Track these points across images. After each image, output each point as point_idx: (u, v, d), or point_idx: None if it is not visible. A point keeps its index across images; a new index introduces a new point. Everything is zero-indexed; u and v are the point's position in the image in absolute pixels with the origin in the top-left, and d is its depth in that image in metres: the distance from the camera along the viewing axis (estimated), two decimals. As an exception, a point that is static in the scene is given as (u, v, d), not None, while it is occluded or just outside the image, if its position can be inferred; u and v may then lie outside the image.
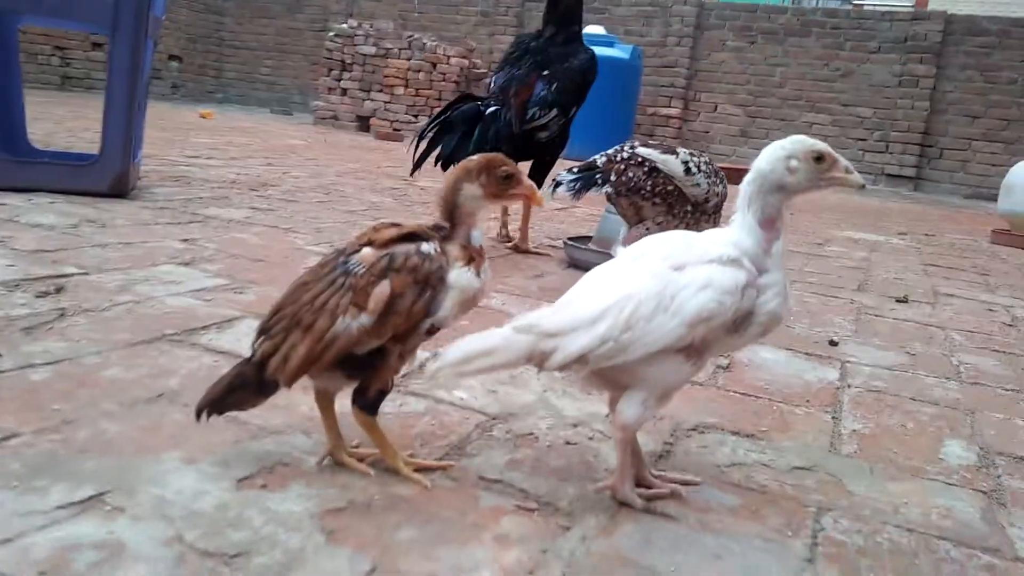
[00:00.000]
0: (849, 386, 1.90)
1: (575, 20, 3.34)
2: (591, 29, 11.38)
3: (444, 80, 12.36)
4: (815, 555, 1.09)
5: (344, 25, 13.03)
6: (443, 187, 1.23)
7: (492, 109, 3.17)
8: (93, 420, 1.28)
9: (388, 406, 1.47)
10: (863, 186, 1.21)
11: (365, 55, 12.72)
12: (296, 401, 1.45)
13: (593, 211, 5.15)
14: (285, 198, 4.06)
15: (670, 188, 2.62)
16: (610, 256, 2.98)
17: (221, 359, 1.64)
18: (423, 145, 3.18)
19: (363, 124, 12.74)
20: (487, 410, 1.50)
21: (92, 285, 2.05)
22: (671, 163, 2.62)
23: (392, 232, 1.19)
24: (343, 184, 5.04)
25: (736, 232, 1.19)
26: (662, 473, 1.28)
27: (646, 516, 1.15)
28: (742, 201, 1.20)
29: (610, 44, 11.07)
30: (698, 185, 2.61)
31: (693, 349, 1.15)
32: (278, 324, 1.16)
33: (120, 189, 3.32)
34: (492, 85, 3.35)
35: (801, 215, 6.19)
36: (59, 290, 1.95)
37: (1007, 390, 1.99)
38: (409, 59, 12.45)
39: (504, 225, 3.53)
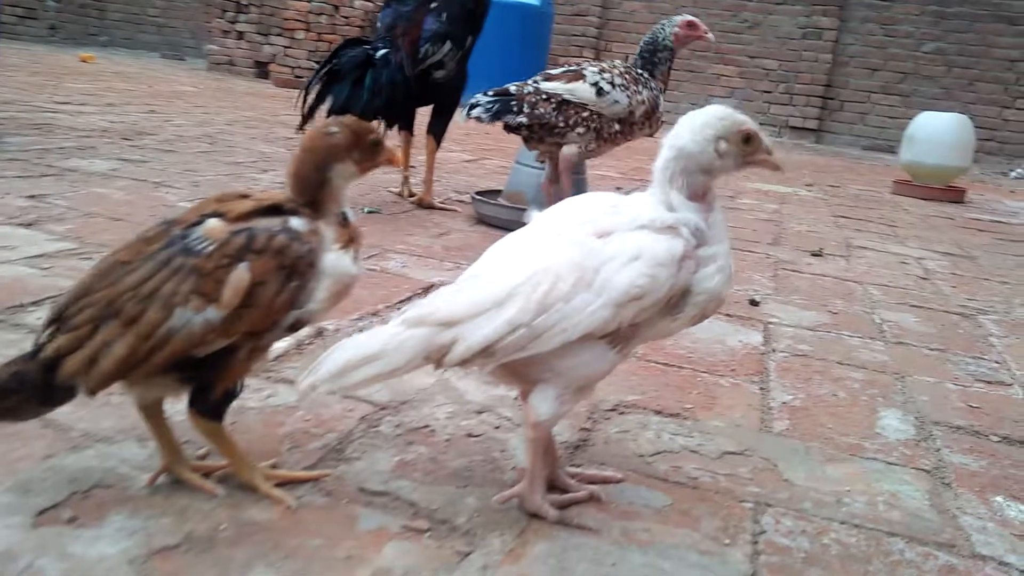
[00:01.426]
0: (774, 351, 1.77)
1: None
2: (501, -27, 10.97)
3: (348, 24, 11.71)
4: (757, 567, 0.93)
5: (237, -38, 12.12)
6: (301, 165, 0.97)
7: (382, 52, 2.87)
8: None
9: (252, 398, 1.23)
10: (781, 170, 1.05)
11: (261, -5, 11.91)
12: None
13: (504, 164, 4.91)
14: (161, 148, 3.65)
15: (586, 115, 2.44)
16: (520, 210, 2.79)
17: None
18: (311, 96, 2.86)
19: (261, 71, 11.99)
20: (375, 398, 1.28)
21: None
22: (580, 90, 2.44)
23: (248, 204, 0.93)
24: (231, 133, 4.62)
25: (657, 200, 0.99)
26: (579, 471, 1.09)
27: (561, 531, 0.96)
28: (662, 177, 0.99)
29: (521, -11, 10.71)
30: (617, 102, 2.44)
31: (619, 334, 0.94)
32: (83, 312, 0.89)
33: (-43, 138, 2.87)
34: (378, 24, 3.04)
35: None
36: None
37: (932, 350, 1.91)
38: (310, 0, 11.73)
39: (406, 180, 3.26)
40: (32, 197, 2.35)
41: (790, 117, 12.54)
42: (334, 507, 0.96)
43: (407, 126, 3.13)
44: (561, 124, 2.44)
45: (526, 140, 2.56)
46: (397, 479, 1.04)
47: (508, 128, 2.53)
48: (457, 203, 3.26)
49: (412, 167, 3.31)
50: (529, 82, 2.52)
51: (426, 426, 1.21)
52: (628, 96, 2.45)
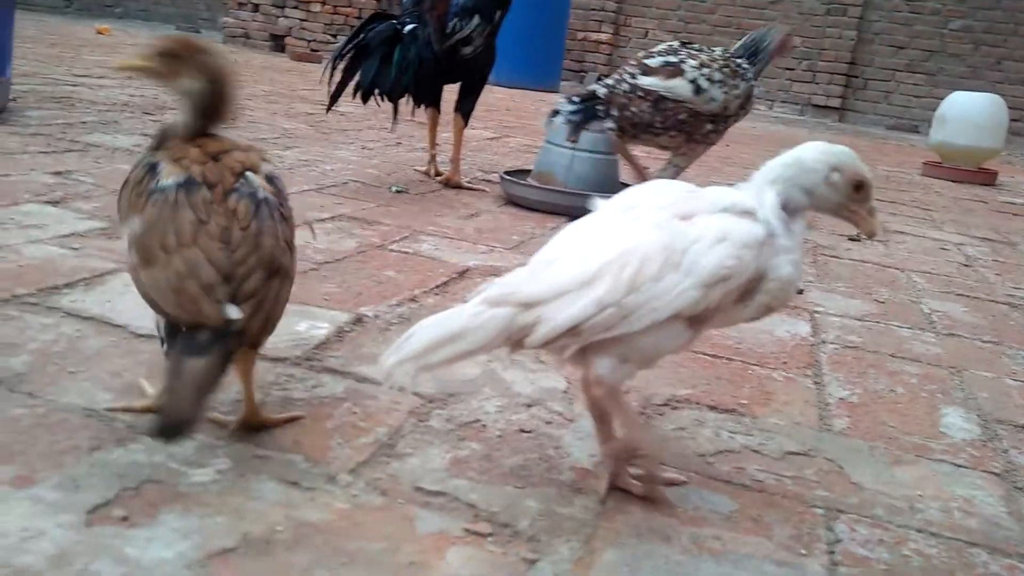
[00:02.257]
0: (824, 342, 1.72)
1: None
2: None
3: (364, -4, 11.57)
4: (836, 579, 0.89)
5: (253, -67, 11.98)
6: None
7: (410, 27, 2.80)
8: None
9: (298, 388, 1.19)
10: (876, 234, 1.05)
11: (277, -34, 11.77)
12: (179, 386, 1.15)
13: (528, 142, 4.84)
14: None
15: (682, 117, 2.36)
16: (551, 191, 2.73)
17: (86, 327, 1.31)
18: (338, 74, 2.79)
19: (277, 44, 11.89)
20: (421, 390, 1.23)
21: None
22: (679, 88, 2.36)
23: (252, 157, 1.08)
24: (252, 108, 4.56)
25: (754, 192, 0.98)
26: (639, 471, 1.05)
27: (629, 537, 0.92)
28: (763, 176, 0.99)
29: (540, -37, 10.53)
30: (713, 100, 2.37)
31: (699, 316, 0.91)
32: (251, 278, 0.95)
33: (-19, 111, 2.83)
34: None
35: (735, 145, 6.04)
36: None
37: (985, 342, 1.85)
38: (326, -27, 11.58)
39: (432, 159, 3.20)
40: (58, 174, 2.31)
41: (813, 95, 12.34)
42: (391, 507, 0.92)
43: (434, 103, 3.07)
44: (658, 122, 2.37)
45: (618, 135, 2.49)
46: (453, 478, 1.00)
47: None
48: (484, 182, 3.21)
49: (438, 145, 3.25)
50: (625, 76, 2.43)
51: (476, 420, 1.17)
52: (725, 92, 2.38)
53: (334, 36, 11.65)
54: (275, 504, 0.90)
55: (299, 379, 1.22)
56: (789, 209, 0.97)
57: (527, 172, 3.01)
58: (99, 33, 10.43)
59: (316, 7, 11.73)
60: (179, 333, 0.93)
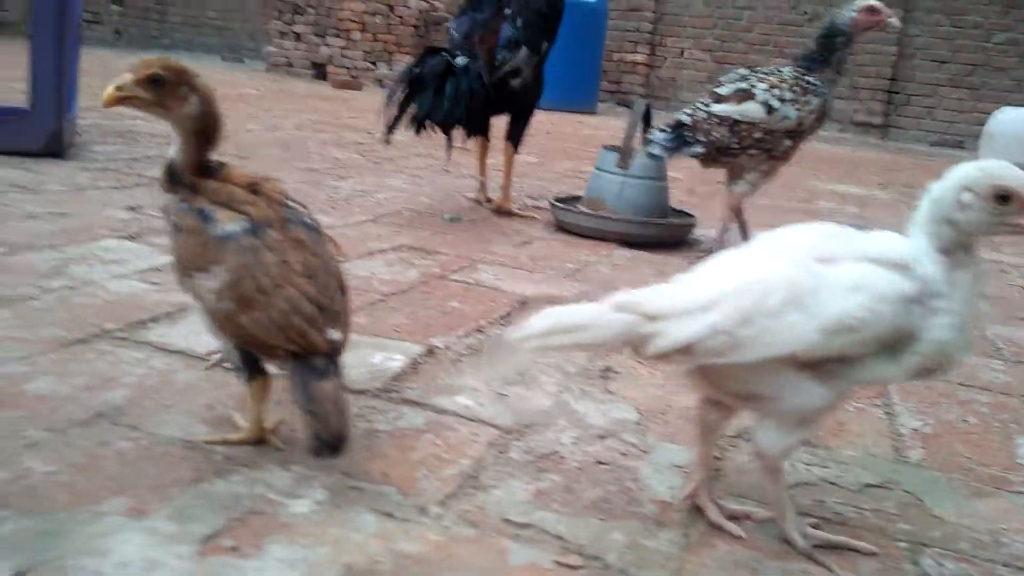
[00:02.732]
0: (888, 370, 1.71)
1: None
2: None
3: (403, 24, 11.83)
4: (927, 615, 0.89)
5: (295, -35, 12.31)
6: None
7: (462, 61, 2.87)
8: (14, 456, 1.02)
9: (381, 421, 1.23)
10: None
11: (319, -3, 12.07)
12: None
13: (572, 167, 4.89)
14: (241, 155, 3.71)
15: (758, 136, 2.46)
16: (603, 217, 2.76)
17: (174, 361, 1.37)
18: (394, 107, 2.86)
19: (319, 71, 12.16)
20: (499, 422, 1.27)
21: (18, 267, 1.74)
22: (751, 111, 2.45)
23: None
24: (303, 138, 4.68)
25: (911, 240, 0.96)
26: (724, 504, 1.06)
27: (718, 571, 0.93)
28: (919, 220, 0.97)
29: (577, -14, 10.64)
30: (787, 117, 2.45)
31: (828, 369, 0.92)
32: (335, 303, 1.06)
33: (55, 147, 2.95)
34: (453, 32, 3.04)
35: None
36: (-25, 276, 1.65)
37: (1054, 369, 1.82)
38: (365, 1, 11.85)
39: (483, 186, 3.25)
40: (131, 209, 2.40)
41: (854, 112, 12.22)
42: (483, 539, 0.95)
43: (484, 133, 3.13)
44: (736, 145, 2.45)
45: (702, 161, 2.54)
46: (538, 510, 1.03)
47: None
48: (533, 209, 3.25)
49: (487, 175, 3.30)
50: (699, 106, 2.51)
51: (554, 452, 1.19)
52: (798, 109, 2.45)
53: (373, 63, 11.88)
54: (373, 535, 0.94)
55: (380, 411, 1.26)
56: (949, 251, 0.93)
57: (576, 198, 3.05)
58: (149, 65, 10.78)
59: (356, 35, 11.98)
60: (297, 365, 1.01)
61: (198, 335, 1.48)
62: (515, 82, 2.92)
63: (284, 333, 1.00)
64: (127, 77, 1.04)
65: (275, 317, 1.00)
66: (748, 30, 12.66)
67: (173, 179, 1.10)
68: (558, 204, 2.90)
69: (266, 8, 13.97)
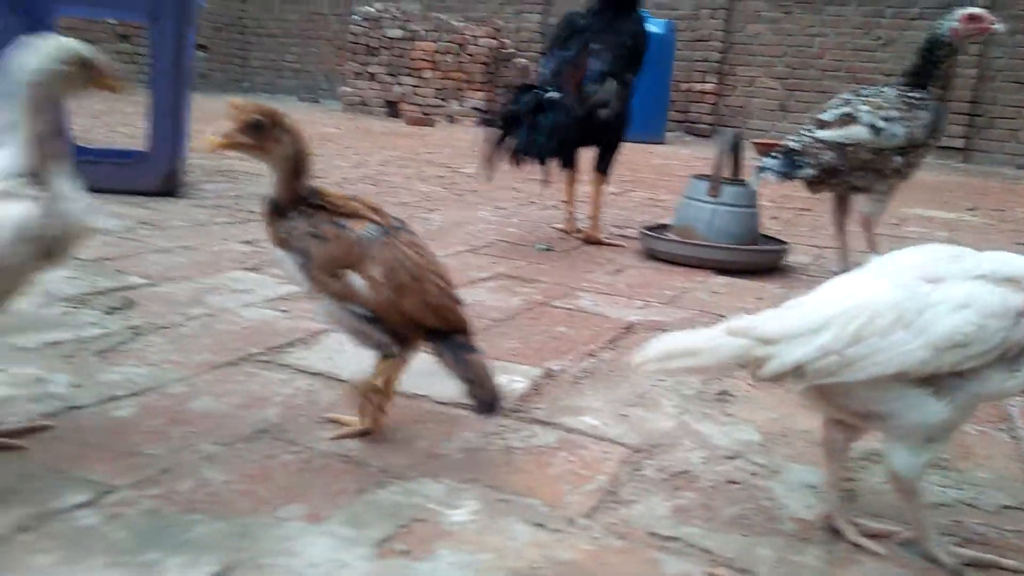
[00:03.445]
0: (1008, 395, 1.69)
1: None
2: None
3: (472, 61, 12.13)
4: (1086, 633, 0.89)
5: (369, 8, 12.81)
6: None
7: (554, 95, 2.97)
8: (194, 467, 1.11)
9: (514, 438, 1.29)
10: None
11: (392, 38, 12.51)
12: (414, 434, 1.28)
13: (650, 196, 4.93)
14: (337, 191, 3.88)
15: (866, 157, 2.50)
16: (695, 245, 2.79)
17: (316, 382, 1.47)
18: (491, 143, 2.98)
19: (392, 109, 12.56)
20: (626, 440, 1.31)
21: (162, 297, 1.89)
22: (856, 133, 2.49)
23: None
24: (389, 174, 4.86)
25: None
26: (862, 523, 1.08)
27: (870, 585, 0.96)
28: None
29: (645, 19, 10.71)
30: (895, 135, 2.49)
31: (944, 384, 0.95)
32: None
33: (170, 187, 3.16)
34: (543, 70, 3.15)
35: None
36: (129, 304, 1.79)
37: None
38: (436, 41, 12.22)
39: (571, 216, 3.33)
40: (247, 243, 2.56)
41: (932, 136, 11.91)
42: (633, 550, 1.00)
43: (573, 164, 3.21)
44: (842, 168, 2.49)
45: (810, 185, 2.59)
46: (681, 524, 1.07)
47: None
48: (620, 237, 3.30)
49: (574, 205, 3.37)
50: (804, 133, 2.57)
51: (686, 471, 1.23)
52: (906, 126, 2.47)
53: (444, 100, 12.20)
54: (529, 544, 0.99)
55: (513, 429, 1.33)
56: None
57: (664, 227, 3.09)
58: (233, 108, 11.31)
59: (428, 74, 12.35)
60: (443, 342, 1.17)
61: (334, 359, 1.58)
62: (603, 112, 3.00)
63: (437, 313, 1.16)
64: (228, 125, 1.14)
65: (429, 300, 1.16)
66: (820, 56, 12.52)
67: (276, 210, 1.20)
68: (649, 233, 2.94)
69: (342, 51, 14.55)
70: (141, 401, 1.31)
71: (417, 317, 1.15)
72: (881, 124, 2.47)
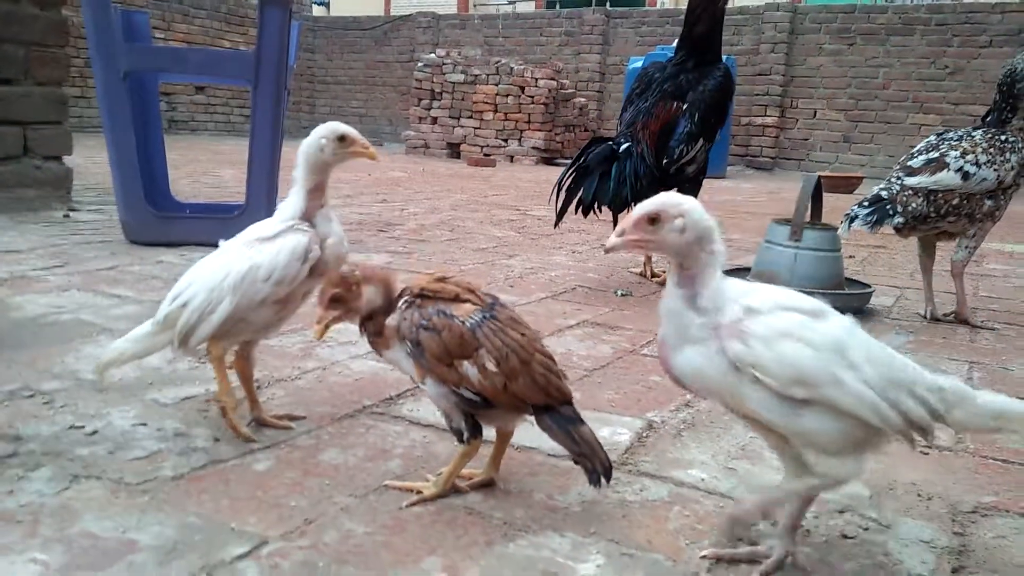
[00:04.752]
0: (1118, 446, 1.66)
1: (709, 48, 3.16)
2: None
3: (533, 103, 12.35)
4: None
5: (432, 55, 13.19)
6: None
7: (625, 146, 3.05)
8: (334, 518, 1.20)
9: (629, 492, 1.34)
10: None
11: (454, 83, 12.84)
12: (530, 487, 1.34)
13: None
14: (414, 238, 4.02)
15: (956, 202, 2.53)
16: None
17: (430, 434, 1.55)
18: (563, 194, 3.07)
19: (453, 151, 12.84)
20: (737, 494, 1.35)
21: (274, 350, 2.01)
22: (946, 179, 2.52)
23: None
24: (461, 219, 5.00)
25: None
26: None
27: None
28: None
29: (705, 56, 10.79)
30: (985, 179, 2.51)
31: None
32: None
33: (264, 239, 3.33)
34: (619, 124, 3.24)
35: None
36: (247, 359, 1.91)
37: None
38: (497, 84, 12.49)
39: (648, 260, 3.38)
40: (342, 292, 2.68)
41: (1006, 165, 11.58)
42: (759, 606, 1.03)
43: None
44: (932, 214, 2.54)
45: (899, 231, 2.65)
46: (802, 580, 1.10)
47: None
48: (696, 281, 3.33)
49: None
50: (893, 181, 2.61)
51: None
52: (996, 169, 2.51)
53: (505, 141, 12.42)
54: (660, 597, 1.04)
55: (625, 483, 1.38)
56: None
57: (743, 270, 3.11)
58: (303, 153, 11.73)
59: (488, 115, 12.61)
60: (550, 416, 1.21)
61: (438, 411, 1.66)
62: (691, 170, 3.08)
63: (545, 391, 1.22)
64: (318, 311, 1.26)
65: (537, 379, 1.21)
66: (885, 87, 12.36)
67: (370, 318, 1.28)
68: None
69: (405, 96, 14.99)
70: (276, 453, 1.41)
71: (526, 397, 1.21)
72: (972, 169, 2.49)
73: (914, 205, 2.53)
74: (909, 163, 2.62)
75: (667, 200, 1.07)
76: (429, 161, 11.86)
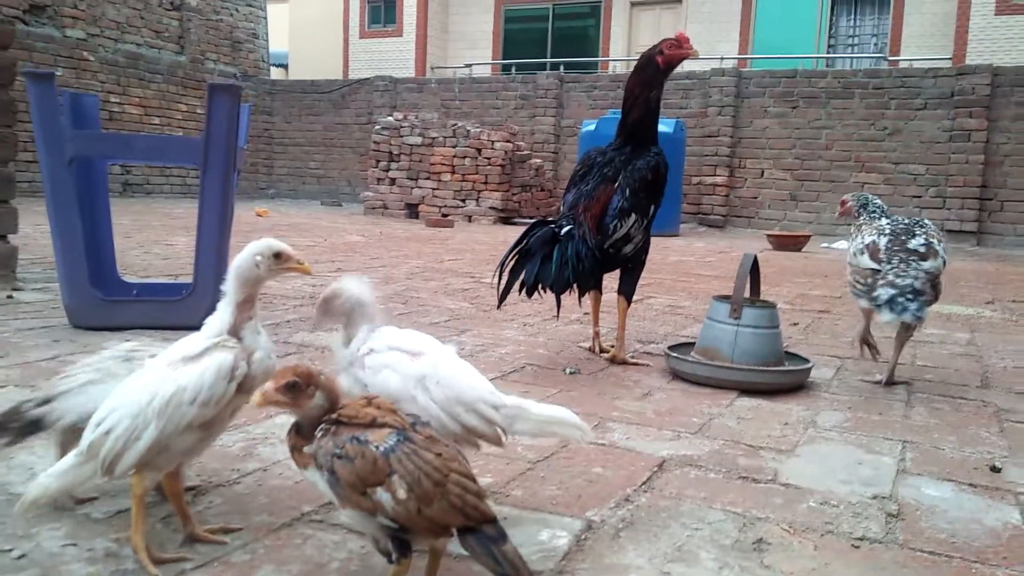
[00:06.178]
0: (1040, 532, 1.72)
1: (645, 133, 3.27)
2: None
3: (490, 164, 12.57)
4: None
5: (390, 118, 13.39)
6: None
7: (566, 228, 3.10)
8: (263, 648, 1.18)
9: (565, 604, 1.35)
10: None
11: (411, 145, 13.03)
12: (467, 604, 1.33)
13: (667, 303, 5.03)
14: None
15: (937, 283, 2.89)
16: (720, 367, 2.87)
17: (368, 543, 1.54)
18: (506, 276, 3.11)
19: (412, 211, 12.95)
20: (671, 602, 1.37)
21: (214, 451, 1.98)
22: (940, 264, 2.86)
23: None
24: (416, 289, 5.02)
25: None
26: None
27: None
28: None
29: (655, 120, 11.13)
30: (946, 262, 2.92)
31: None
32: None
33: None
34: (563, 207, 3.30)
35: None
36: (186, 463, 1.89)
37: None
38: (455, 146, 12.72)
39: (596, 335, 3.43)
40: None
41: (945, 220, 12.06)
42: None
43: (596, 287, 3.33)
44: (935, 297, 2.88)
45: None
46: None
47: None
48: (644, 355, 3.39)
49: (599, 326, 3.48)
50: (914, 268, 2.84)
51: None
52: (945, 251, 2.94)
53: (463, 201, 12.58)
54: None
55: (565, 593, 1.38)
56: None
57: (688, 344, 3.18)
58: (259, 215, 11.73)
59: (446, 177, 12.80)
60: (472, 536, 1.20)
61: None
62: (627, 249, 3.15)
63: (463, 512, 1.20)
64: (269, 385, 1.27)
65: (453, 501, 1.20)
66: (828, 148, 12.87)
67: (300, 433, 1.29)
68: (672, 355, 3.03)
69: (364, 157, 15.12)
70: (208, 574, 1.39)
71: (443, 521, 1.19)
72: (941, 251, 2.89)
73: (930, 287, 2.81)
74: (911, 247, 2.90)
75: (335, 286, 1.60)
76: (387, 222, 11.93)
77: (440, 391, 1.49)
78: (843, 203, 3.29)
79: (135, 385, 1.42)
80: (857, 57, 17.39)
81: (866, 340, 3.18)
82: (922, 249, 2.87)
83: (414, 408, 1.45)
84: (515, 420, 1.51)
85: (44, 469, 1.75)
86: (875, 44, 17.77)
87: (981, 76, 12.01)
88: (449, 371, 1.53)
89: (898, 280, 2.80)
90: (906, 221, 3.02)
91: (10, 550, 1.43)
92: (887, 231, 2.97)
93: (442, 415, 1.48)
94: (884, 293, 2.78)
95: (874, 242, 2.92)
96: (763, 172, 13.39)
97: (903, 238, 2.94)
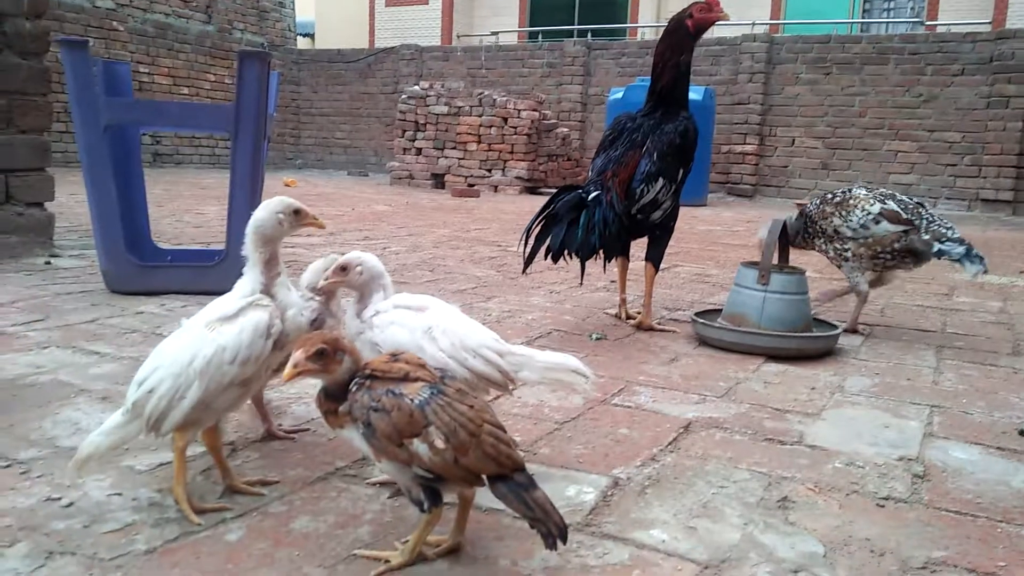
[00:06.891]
0: (1068, 494, 1.72)
1: (674, 98, 3.23)
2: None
3: (516, 133, 12.50)
4: None
5: (416, 87, 13.33)
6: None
7: (594, 194, 3.09)
8: (303, 592, 1.23)
9: (591, 556, 1.38)
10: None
11: (437, 115, 12.98)
12: (496, 552, 1.38)
13: (695, 270, 5.01)
14: (395, 280, 4.04)
15: None
16: (747, 332, 2.87)
17: (400, 497, 1.58)
18: (531, 241, 3.11)
19: (438, 181, 12.94)
20: (695, 556, 1.39)
21: (249, 408, 2.04)
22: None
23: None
24: (442, 257, 5.06)
25: None
26: None
27: None
28: None
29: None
30: None
31: None
32: None
33: (244, 286, 3.37)
34: (591, 172, 3.29)
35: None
36: (223, 420, 1.95)
37: None
38: (480, 115, 12.65)
39: (623, 302, 3.44)
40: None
41: (980, 189, 11.80)
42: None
43: (623, 254, 3.34)
44: None
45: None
46: (753, 646, 1.14)
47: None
48: (671, 321, 3.39)
49: (625, 293, 3.48)
50: (953, 230, 3.06)
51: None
52: None
53: (489, 171, 12.54)
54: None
55: (588, 546, 1.42)
56: None
57: (715, 311, 3.18)
58: (287, 185, 11.81)
59: (472, 146, 12.75)
60: (503, 484, 1.24)
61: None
62: (655, 215, 3.14)
63: (496, 461, 1.25)
64: (299, 355, 1.28)
65: (487, 450, 1.24)
66: (861, 115, 12.60)
67: (329, 396, 1.31)
68: (700, 320, 3.03)
69: (389, 127, 15.11)
70: (248, 523, 1.45)
71: (478, 469, 1.24)
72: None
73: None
74: (913, 201, 3.17)
75: (351, 255, 1.67)
76: (414, 192, 11.96)
77: (446, 339, 1.56)
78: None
79: (174, 345, 1.47)
80: (893, 22, 16.93)
81: (829, 299, 3.57)
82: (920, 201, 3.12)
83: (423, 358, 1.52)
84: (521, 367, 1.58)
85: (88, 425, 1.83)
86: (912, 9, 17.29)
87: (1021, 40, 11.65)
88: (454, 321, 1.60)
89: (950, 233, 3.00)
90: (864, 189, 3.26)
91: (59, 498, 1.50)
92: (880, 195, 3.17)
93: (450, 362, 1.52)
94: (953, 249, 2.97)
95: (886, 207, 3.05)
96: (794, 140, 13.16)
97: (899, 197, 3.14)
